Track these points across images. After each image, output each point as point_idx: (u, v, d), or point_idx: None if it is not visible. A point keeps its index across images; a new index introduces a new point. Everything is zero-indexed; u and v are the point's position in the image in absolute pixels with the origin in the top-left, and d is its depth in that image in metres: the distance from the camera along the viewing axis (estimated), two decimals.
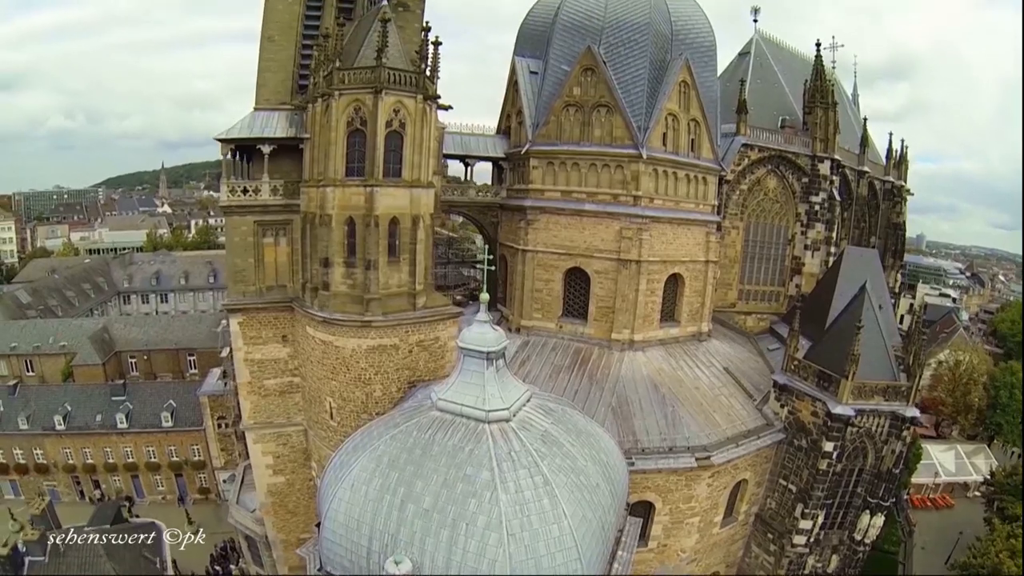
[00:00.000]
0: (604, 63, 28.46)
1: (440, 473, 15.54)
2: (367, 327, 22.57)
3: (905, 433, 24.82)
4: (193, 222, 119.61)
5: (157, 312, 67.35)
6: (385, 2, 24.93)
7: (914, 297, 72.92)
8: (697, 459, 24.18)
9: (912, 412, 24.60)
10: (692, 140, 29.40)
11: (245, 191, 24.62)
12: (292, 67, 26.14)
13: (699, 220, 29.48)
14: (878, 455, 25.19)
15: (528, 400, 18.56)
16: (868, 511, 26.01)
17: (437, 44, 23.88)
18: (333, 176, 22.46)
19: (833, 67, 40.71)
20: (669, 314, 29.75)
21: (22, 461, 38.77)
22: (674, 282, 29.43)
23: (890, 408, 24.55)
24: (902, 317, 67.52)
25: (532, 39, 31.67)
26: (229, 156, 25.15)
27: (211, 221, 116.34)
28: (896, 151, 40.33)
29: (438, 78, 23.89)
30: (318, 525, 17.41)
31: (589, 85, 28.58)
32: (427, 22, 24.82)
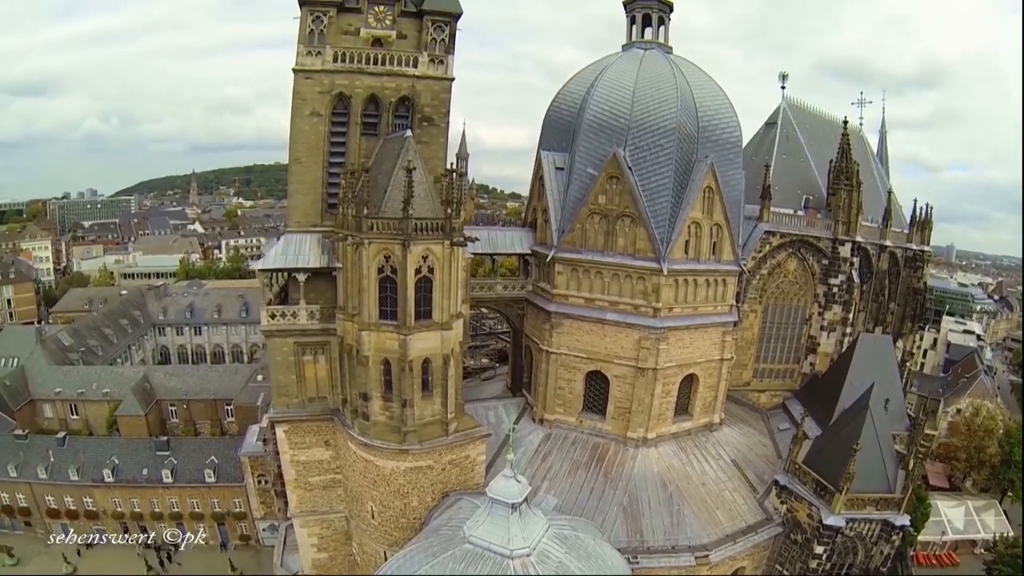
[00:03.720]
0: (630, 169, 30.03)
1: None
2: (405, 453, 26.26)
3: (894, 538, 28.46)
4: (224, 242, 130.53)
5: (192, 344, 73.05)
6: (409, 133, 26.66)
7: (938, 331, 74.76)
8: (696, 558, 27.95)
9: (903, 520, 27.95)
10: (714, 244, 31.29)
11: (284, 316, 27.60)
12: (320, 188, 28.40)
13: (717, 323, 31.89)
14: (867, 553, 29.00)
15: (546, 531, 22.67)
16: None
17: (461, 176, 25.91)
18: (368, 320, 25.27)
19: (860, 123, 41.21)
20: (683, 408, 32.75)
21: (72, 507, 44.05)
22: (689, 380, 32.28)
23: (881, 516, 28.05)
24: (925, 351, 70.19)
25: (558, 130, 32.95)
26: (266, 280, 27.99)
27: (240, 241, 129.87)
28: (920, 214, 41.40)
29: (462, 212, 26.08)
30: None
31: (614, 193, 30.29)
32: (451, 164, 26.64)
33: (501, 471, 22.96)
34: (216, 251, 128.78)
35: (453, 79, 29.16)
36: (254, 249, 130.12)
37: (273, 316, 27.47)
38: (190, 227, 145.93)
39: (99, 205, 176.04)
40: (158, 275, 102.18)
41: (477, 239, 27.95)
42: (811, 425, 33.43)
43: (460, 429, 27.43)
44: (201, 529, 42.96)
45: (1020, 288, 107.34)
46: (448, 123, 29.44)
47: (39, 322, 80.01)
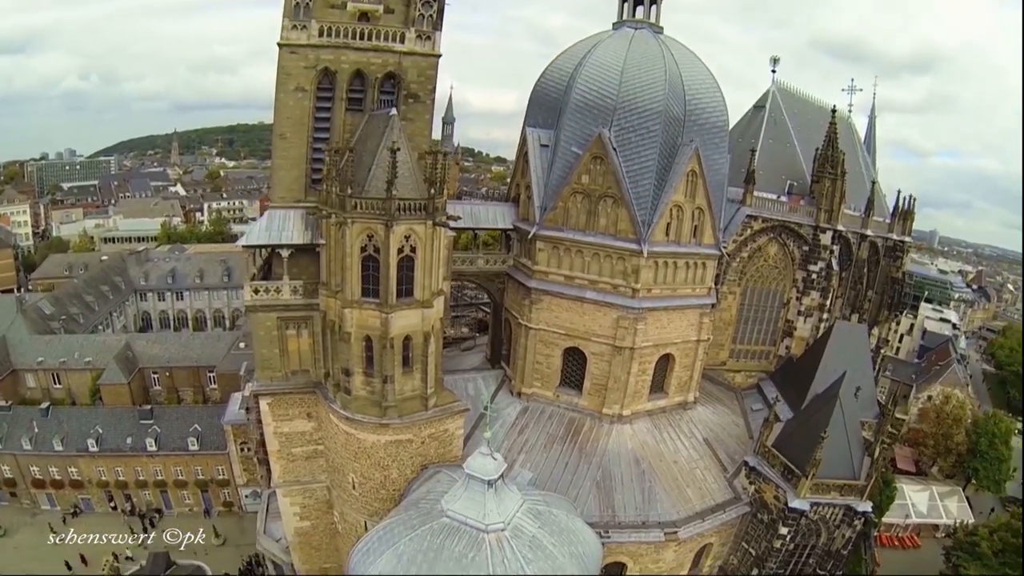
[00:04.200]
0: (614, 150, 30.41)
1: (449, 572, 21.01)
2: (385, 427, 27.15)
3: (856, 522, 29.93)
4: (206, 205, 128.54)
5: (174, 310, 72.74)
6: (393, 111, 26.83)
7: (915, 317, 76.37)
8: (666, 534, 29.23)
9: (864, 507, 29.41)
10: (695, 227, 31.92)
11: (267, 291, 28.06)
12: (305, 164, 28.52)
13: (695, 305, 32.74)
14: (830, 536, 30.50)
15: (521, 506, 23.89)
16: None
17: (445, 156, 26.29)
18: (350, 297, 25.83)
19: (849, 110, 41.62)
20: (658, 386, 33.83)
21: (58, 477, 44.90)
22: (665, 360, 33.27)
23: (844, 502, 29.48)
24: (902, 336, 71.85)
25: (544, 107, 33.14)
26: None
27: (223, 203, 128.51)
28: (903, 204, 42.08)
29: (445, 191, 26.46)
30: None
31: (598, 174, 30.71)
32: (436, 142, 26.81)
33: (479, 448, 23.95)
34: (198, 214, 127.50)
35: (440, 55, 29.06)
36: (236, 212, 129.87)
37: (256, 291, 27.88)
38: (171, 189, 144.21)
39: (78, 166, 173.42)
40: (139, 239, 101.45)
41: (459, 218, 28.31)
42: (783, 408, 34.73)
43: (439, 404, 28.31)
44: (185, 496, 43.94)
45: (998, 279, 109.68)
46: (434, 99, 29.50)
47: (18, 289, 79.74)
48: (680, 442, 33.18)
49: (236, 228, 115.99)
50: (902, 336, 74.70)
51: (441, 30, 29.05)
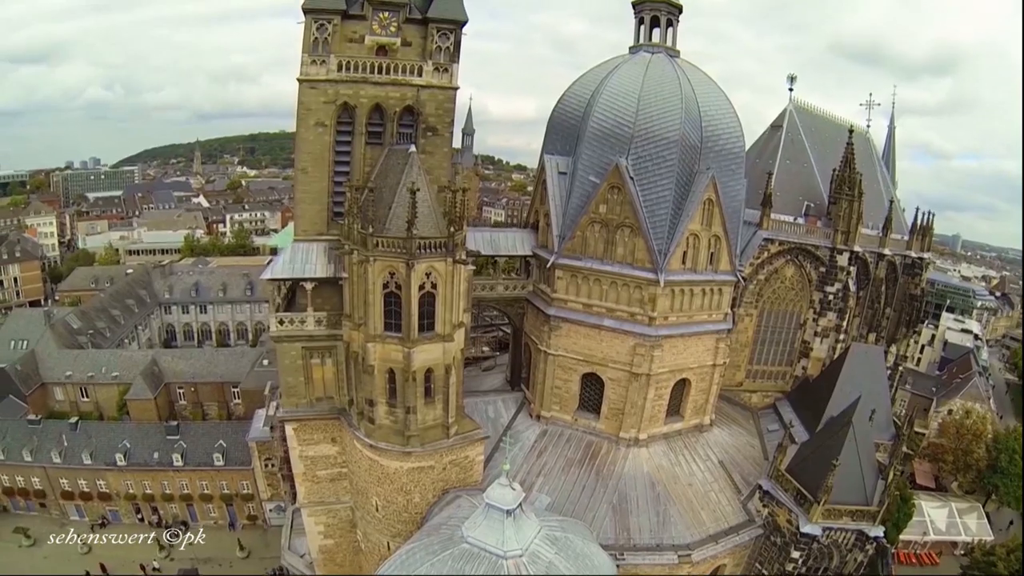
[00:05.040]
0: (631, 179, 31.16)
1: None
2: (408, 454, 28.48)
3: (868, 547, 30.79)
4: (228, 216, 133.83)
5: (197, 323, 75.58)
6: (413, 148, 27.85)
7: (936, 327, 76.06)
8: (680, 557, 30.41)
9: (877, 532, 30.25)
10: (712, 254, 32.65)
11: (292, 323, 29.39)
12: (327, 198, 29.79)
13: (711, 331, 33.55)
14: (842, 560, 31.42)
15: (538, 532, 25.08)
16: None
17: (464, 192, 27.32)
18: (373, 332, 27.06)
19: (868, 125, 41.75)
20: (675, 410, 34.76)
21: (86, 490, 47.06)
22: (681, 384, 34.16)
23: (856, 527, 30.33)
24: (923, 347, 71.74)
25: (562, 134, 33.94)
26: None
27: (244, 215, 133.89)
28: (921, 220, 42.33)
29: (464, 227, 27.48)
30: None
31: (615, 203, 31.50)
32: (452, 182, 27.77)
33: (498, 479, 25.14)
34: (220, 225, 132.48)
35: (458, 88, 30.11)
36: (258, 223, 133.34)
37: (281, 322, 29.25)
38: (194, 200, 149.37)
39: (103, 176, 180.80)
40: (163, 251, 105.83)
41: (479, 254, 29.41)
42: (799, 428, 35.59)
43: (460, 432, 29.57)
44: (210, 509, 45.89)
45: (1022, 284, 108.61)
46: (452, 132, 30.59)
47: (45, 300, 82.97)
48: (695, 465, 34.16)
49: (258, 241, 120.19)
50: (923, 347, 74.69)
51: (458, 62, 29.97)
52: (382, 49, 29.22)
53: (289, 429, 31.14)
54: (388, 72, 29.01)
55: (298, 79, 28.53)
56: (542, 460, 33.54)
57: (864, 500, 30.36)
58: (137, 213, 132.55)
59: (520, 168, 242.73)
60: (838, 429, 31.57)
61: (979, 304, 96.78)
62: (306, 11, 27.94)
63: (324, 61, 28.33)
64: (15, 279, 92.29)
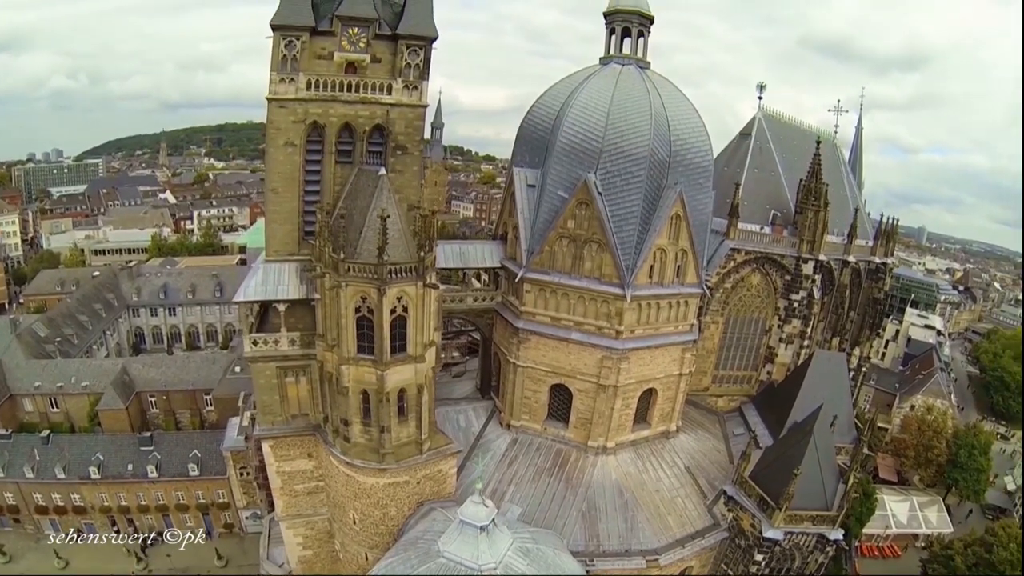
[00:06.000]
0: (600, 194, 32.20)
1: None
2: (383, 471, 29.66)
3: (829, 549, 32.91)
4: (196, 213, 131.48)
5: (167, 325, 75.05)
6: (382, 170, 28.46)
7: (900, 323, 79.07)
8: (648, 562, 32.26)
9: (836, 535, 32.35)
10: (678, 267, 33.99)
11: (266, 343, 30.13)
12: (297, 218, 30.24)
13: (677, 342, 35.05)
14: (804, 561, 33.56)
15: (511, 545, 26.62)
16: None
17: (433, 214, 28.14)
18: (346, 355, 27.95)
19: (836, 131, 43.24)
20: (642, 417, 36.39)
21: (61, 504, 47.13)
22: (648, 393, 35.74)
23: (817, 531, 32.39)
24: (887, 342, 74.52)
25: (531, 146, 34.80)
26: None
27: (212, 211, 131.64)
28: (886, 226, 44.12)
29: (433, 252, 28.37)
30: None
31: (583, 219, 32.56)
32: (422, 201, 28.51)
33: (471, 496, 26.49)
34: (188, 222, 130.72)
35: (427, 106, 30.64)
36: (226, 219, 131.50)
37: (256, 343, 29.94)
38: (161, 196, 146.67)
39: (66, 169, 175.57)
40: (130, 251, 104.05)
41: (449, 276, 30.24)
42: (763, 432, 37.52)
43: (433, 447, 30.76)
44: (186, 519, 46.73)
45: (985, 277, 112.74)
46: (422, 149, 31.15)
47: (9, 303, 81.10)
48: (662, 471, 35.92)
49: (227, 238, 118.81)
50: (887, 342, 77.69)
51: (428, 79, 30.47)
52: (351, 66, 29.45)
53: (266, 446, 32.00)
54: (357, 90, 29.25)
55: (267, 98, 28.76)
56: (513, 469, 34.98)
57: (824, 505, 32.41)
58: (102, 210, 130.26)
59: (489, 159, 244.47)
60: (800, 437, 33.48)
61: (943, 299, 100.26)
62: (275, 27, 27.93)
63: (293, 79, 28.46)
64: None
